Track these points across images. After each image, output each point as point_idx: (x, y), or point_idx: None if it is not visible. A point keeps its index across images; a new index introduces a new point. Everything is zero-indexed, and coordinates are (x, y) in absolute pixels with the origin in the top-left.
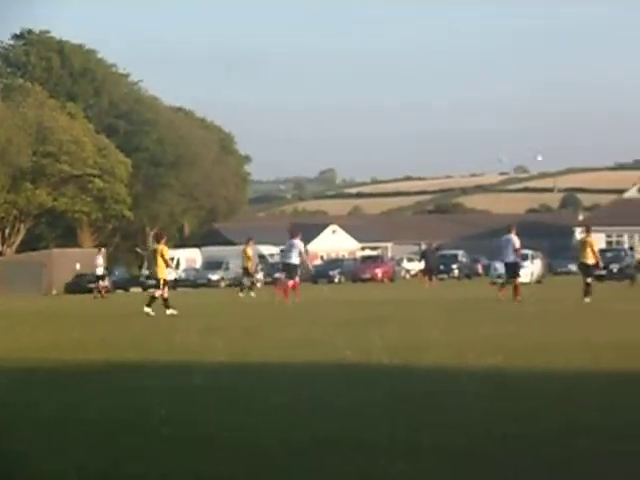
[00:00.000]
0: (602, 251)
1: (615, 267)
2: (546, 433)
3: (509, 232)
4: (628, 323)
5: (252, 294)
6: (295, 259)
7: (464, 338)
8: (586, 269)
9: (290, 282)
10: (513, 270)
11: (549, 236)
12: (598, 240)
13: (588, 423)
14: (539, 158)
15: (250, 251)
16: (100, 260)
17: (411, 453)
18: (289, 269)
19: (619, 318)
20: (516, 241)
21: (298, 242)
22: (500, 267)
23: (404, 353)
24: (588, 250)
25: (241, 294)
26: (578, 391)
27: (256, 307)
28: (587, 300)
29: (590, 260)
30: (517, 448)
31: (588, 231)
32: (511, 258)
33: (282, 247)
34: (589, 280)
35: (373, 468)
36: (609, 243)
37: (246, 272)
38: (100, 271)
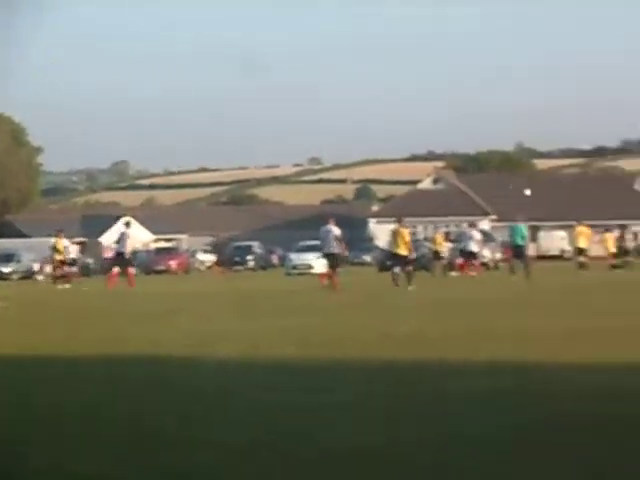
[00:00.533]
0: None
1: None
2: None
3: (327, 223)
4: (430, 313)
5: (67, 286)
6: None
7: (257, 329)
8: (399, 259)
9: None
10: (334, 261)
11: (344, 227)
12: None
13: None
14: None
15: (60, 243)
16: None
17: (202, 448)
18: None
19: (430, 308)
20: (337, 231)
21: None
22: (295, 258)
23: (197, 345)
24: (399, 240)
25: (61, 286)
26: (382, 380)
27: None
28: (410, 288)
29: (402, 250)
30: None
31: (399, 221)
32: (333, 249)
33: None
34: (409, 268)
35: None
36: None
37: (60, 264)
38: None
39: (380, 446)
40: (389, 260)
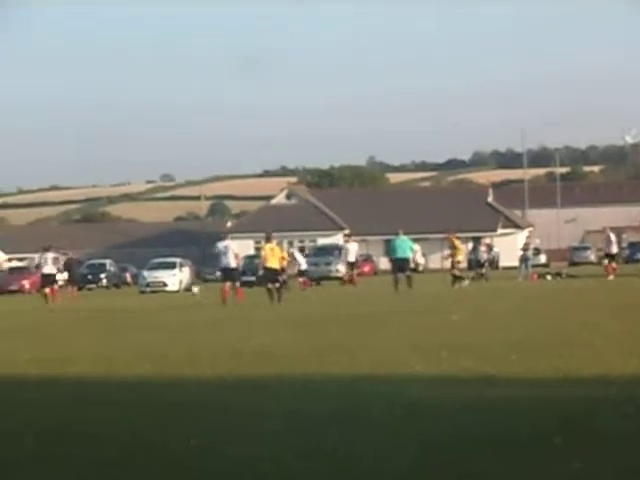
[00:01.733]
0: (252, 257)
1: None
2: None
3: (223, 239)
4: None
5: None
6: None
7: (112, 348)
8: (274, 274)
9: None
10: (233, 275)
11: (198, 243)
12: (248, 247)
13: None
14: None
15: None
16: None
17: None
18: None
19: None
20: (233, 247)
21: None
22: (148, 275)
23: (51, 365)
24: (273, 256)
25: None
26: (224, 398)
27: None
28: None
29: (276, 265)
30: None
31: (269, 239)
32: (232, 264)
33: None
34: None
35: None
36: (258, 249)
37: None
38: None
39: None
40: (261, 276)
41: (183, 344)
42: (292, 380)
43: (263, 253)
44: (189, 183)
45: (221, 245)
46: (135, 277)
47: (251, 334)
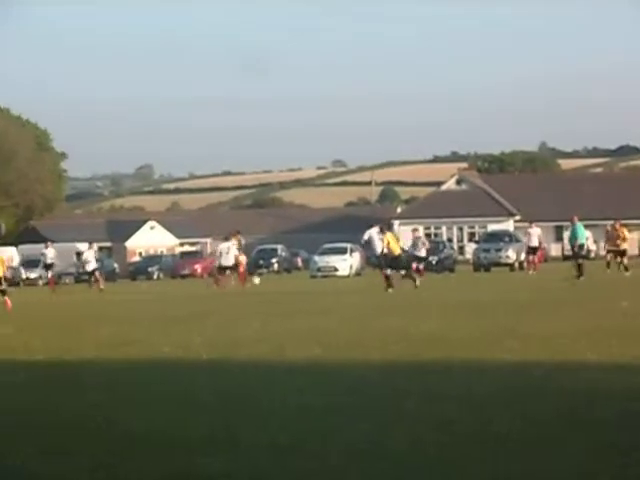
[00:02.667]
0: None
1: (434, 259)
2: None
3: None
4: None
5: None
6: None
7: (282, 332)
8: (392, 261)
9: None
10: (396, 262)
11: (368, 229)
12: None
13: (419, 414)
14: None
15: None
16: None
17: (230, 450)
18: None
19: (451, 309)
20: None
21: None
22: (319, 260)
23: (223, 348)
24: (396, 244)
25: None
26: (400, 381)
27: (71, 305)
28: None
29: (398, 251)
30: (339, 442)
31: (383, 230)
32: (396, 251)
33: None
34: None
35: (188, 465)
36: (427, 235)
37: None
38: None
39: (402, 447)
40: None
41: (352, 328)
42: (464, 365)
43: (386, 241)
44: (360, 169)
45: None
46: (306, 262)
47: (421, 319)
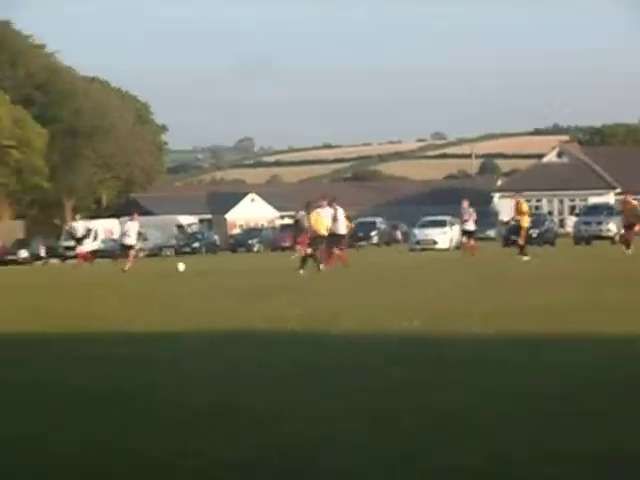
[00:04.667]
0: None
1: (535, 232)
2: (466, 399)
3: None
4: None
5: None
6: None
7: (378, 304)
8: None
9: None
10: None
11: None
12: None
13: (514, 387)
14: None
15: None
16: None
17: (325, 422)
18: None
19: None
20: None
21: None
22: (419, 233)
23: (317, 321)
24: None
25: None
26: (499, 355)
27: (160, 278)
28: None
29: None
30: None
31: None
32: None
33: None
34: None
35: (274, 439)
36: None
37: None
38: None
39: (492, 418)
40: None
41: (452, 301)
42: (566, 338)
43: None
44: (460, 141)
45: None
46: (405, 235)
47: (524, 291)
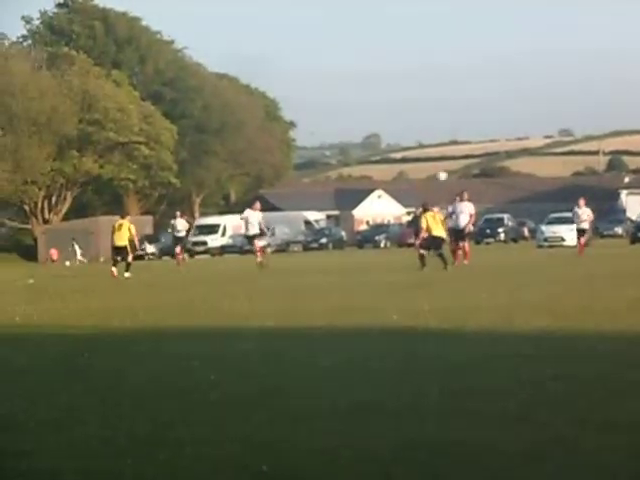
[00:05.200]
0: None
1: None
2: (604, 393)
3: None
4: None
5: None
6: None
7: (508, 301)
8: (434, 241)
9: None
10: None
11: (595, 199)
12: None
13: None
14: None
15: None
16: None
17: (456, 417)
18: None
19: None
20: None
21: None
22: (546, 230)
23: (451, 317)
24: (435, 224)
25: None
26: (631, 352)
27: (279, 273)
28: (449, 268)
29: (439, 232)
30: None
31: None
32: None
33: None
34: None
35: (415, 433)
36: None
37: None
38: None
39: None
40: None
41: (583, 298)
42: None
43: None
44: (588, 138)
45: None
46: (533, 232)
47: None
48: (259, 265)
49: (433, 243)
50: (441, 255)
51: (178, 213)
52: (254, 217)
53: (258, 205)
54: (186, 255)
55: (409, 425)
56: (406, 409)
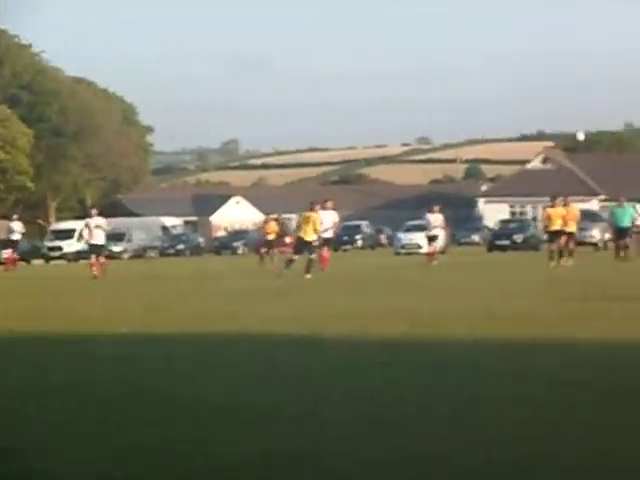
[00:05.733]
0: (506, 222)
1: (519, 237)
2: (454, 404)
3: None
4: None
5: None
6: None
7: (369, 308)
8: (305, 245)
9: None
10: None
11: (452, 207)
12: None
13: (496, 393)
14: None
15: None
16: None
17: (315, 424)
18: None
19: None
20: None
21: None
22: (403, 237)
23: (310, 323)
24: (309, 226)
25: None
26: (484, 360)
27: (152, 280)
28: (308, 276)
29: (309, 237)
30: (429, 415)
31: (312, 208)
32: None
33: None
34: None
35: (269, 441)
36: (513, 214)
37: None
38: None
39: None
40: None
41: (438, 306)
42: (549, 344)
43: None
44: (445, 146)
45: None
46: (390, 239)
47: (509, 296)
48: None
49: (305, 247)
50: (311, 261)
51: (15, 216)
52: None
53: (95, 211)
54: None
55: (263, 433)
56: (260, 417)
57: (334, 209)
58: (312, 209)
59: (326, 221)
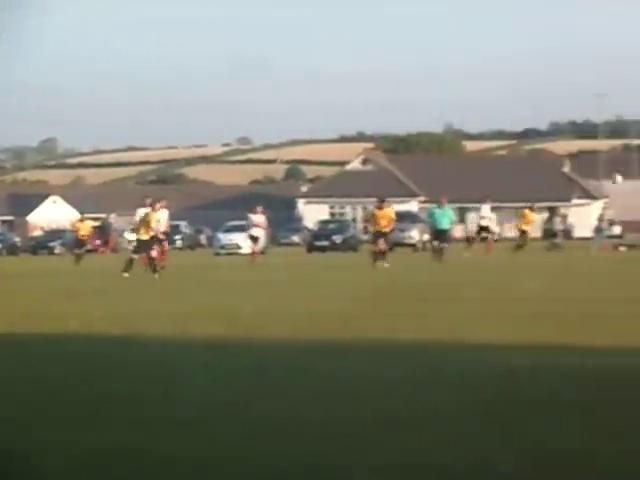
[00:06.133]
0: (325, 222)
1: (339, 238)
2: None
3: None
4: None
5: None
6: None
7: (186, 307)
8: (144, 245)
9: None
10: None
11: (273, 207)
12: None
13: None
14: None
15: None
16: None
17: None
18: None
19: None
20: None
21: None
22: (223, 238)
23: (128, 323)
24: (144, 225)
25: None
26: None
27: None
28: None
29: (144, 236)
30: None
31: (152, 206)
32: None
33: None
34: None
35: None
36: (332, 214)
37: None
38: None
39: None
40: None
41: (257, 306)
42: (366, 344)
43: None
44: (266, 147)
45: None
46: (210, 239)
47: (329, 298)
48: None
49: (144, 246)
50: (152, 259)
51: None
52: None
53: None
54: None
55: (89, 432)
56: (80, 417)
57: (167, 207)
58: (153, 208)
59: (162, 220)
